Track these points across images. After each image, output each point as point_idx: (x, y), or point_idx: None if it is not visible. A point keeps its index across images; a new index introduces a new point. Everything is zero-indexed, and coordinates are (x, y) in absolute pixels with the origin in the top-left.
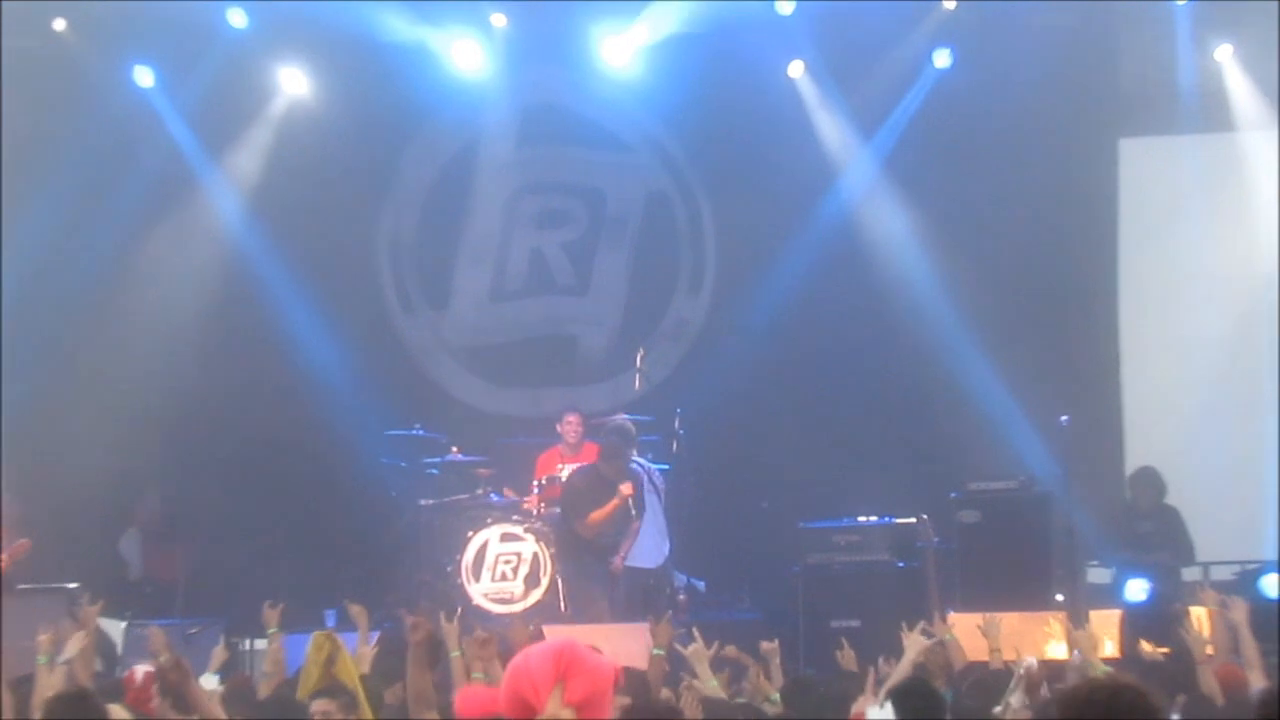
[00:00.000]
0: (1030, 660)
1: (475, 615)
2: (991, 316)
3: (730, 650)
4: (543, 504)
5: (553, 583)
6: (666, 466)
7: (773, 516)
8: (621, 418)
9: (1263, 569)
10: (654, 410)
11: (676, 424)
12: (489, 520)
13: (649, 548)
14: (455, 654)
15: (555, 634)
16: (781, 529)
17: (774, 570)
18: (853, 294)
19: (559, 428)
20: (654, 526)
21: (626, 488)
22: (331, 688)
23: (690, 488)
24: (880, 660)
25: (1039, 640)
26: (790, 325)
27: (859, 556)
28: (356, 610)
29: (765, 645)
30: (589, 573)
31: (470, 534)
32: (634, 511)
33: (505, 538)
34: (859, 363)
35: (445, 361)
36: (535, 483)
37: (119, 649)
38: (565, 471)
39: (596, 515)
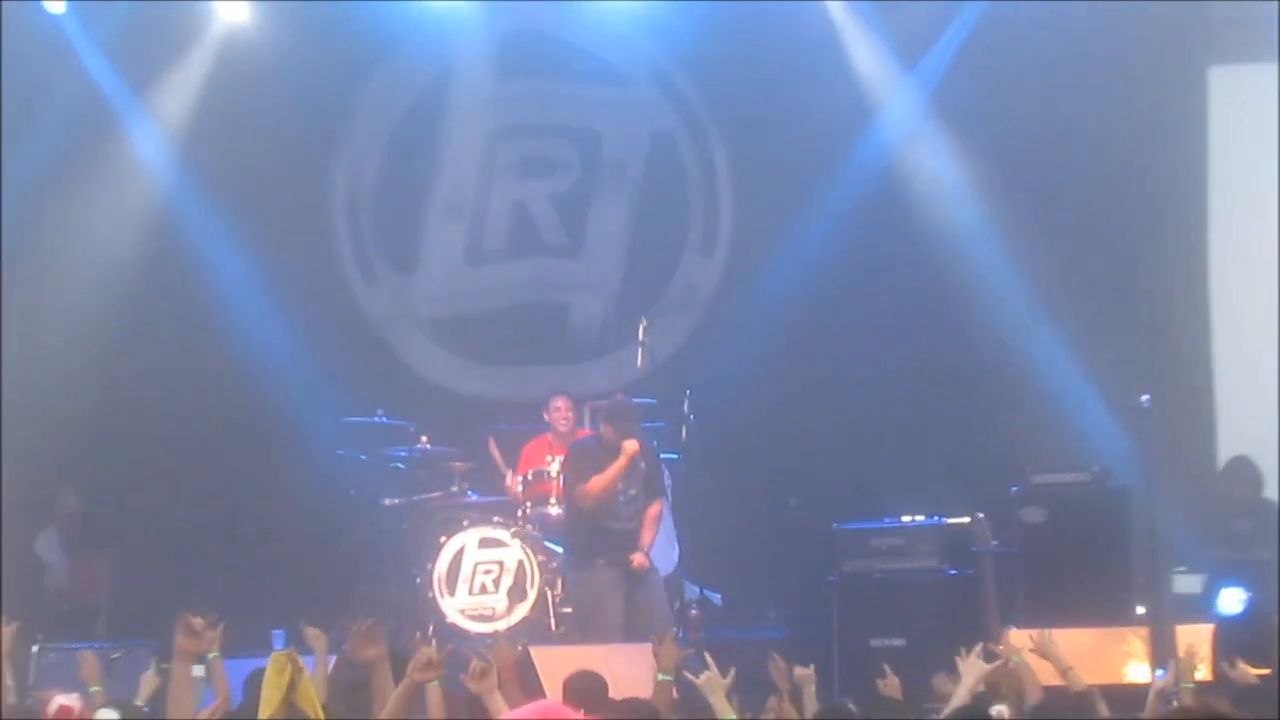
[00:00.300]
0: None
1: (450, 635)
2: (1058, 279)
3: (778, 663)
4: (529, 503)
5: (541, 596)
6: (674, 457)
7: (801, 517)
8: (621, 397)
9: None
10: (659, 392)
11: (686, 407)
12: (465, 523)
13: (654, 554)
14: (434, 684)
15: (544, 659)
16: (811, 531)
17: (803, 580)
18: (893, 253)
19: (547, 415)
20: (660, 528)
21: (631, 444)
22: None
23: (703, 482)
24: (936, 678)
25: (1116, 661)
26: (820, 291)
27: (903, 563)
28: (313, 634)
29: (799, 671)
30: (600, 575)
31: (443, 539)
32: (647, 481)
33: (485, 543)
34: (901, 334)
35: (413, 336)
36: (520, 478)
37: (30, 676)
38: (554, 466)
39: (598, 480)
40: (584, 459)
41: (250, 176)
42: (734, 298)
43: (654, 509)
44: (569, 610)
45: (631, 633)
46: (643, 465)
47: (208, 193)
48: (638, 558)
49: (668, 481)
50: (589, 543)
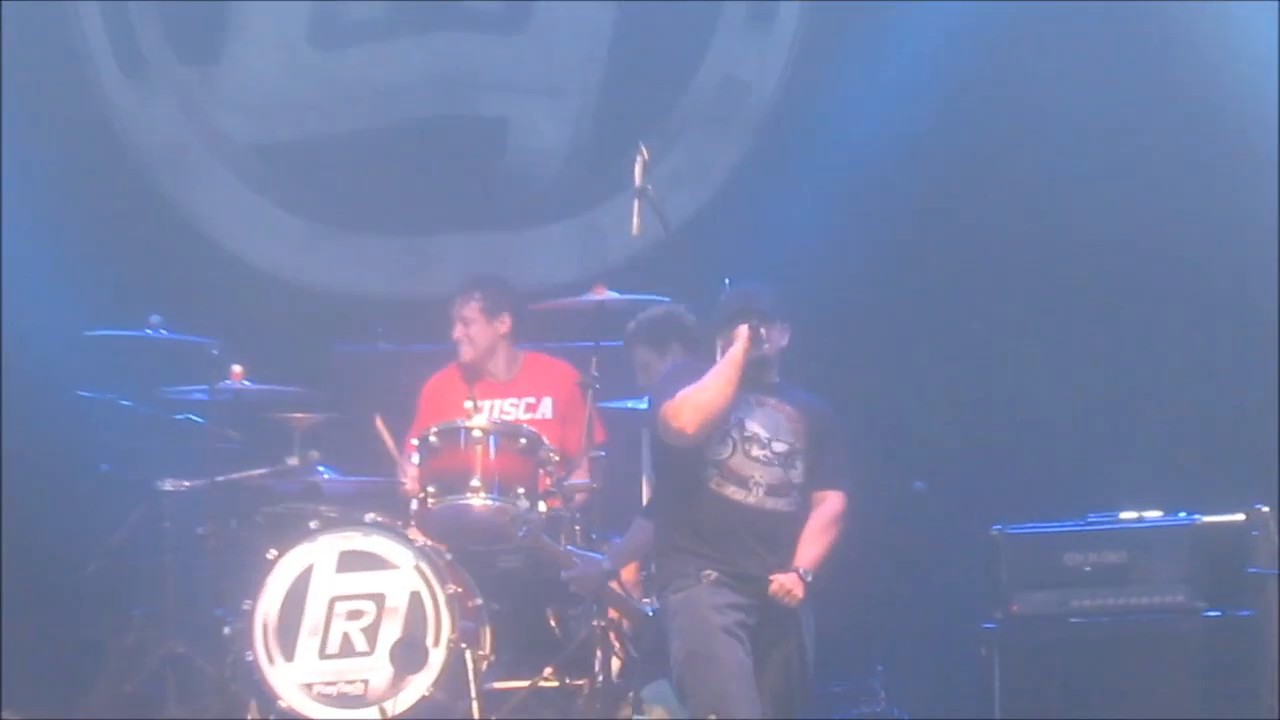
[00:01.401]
0: None
1: None
2: None
3: None
4: (432, 487)
5: (453, 655)
6: None
7: (934, 511)
8: (655, 304)
9: None
10: (675, 286)
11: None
12: (314, 525)
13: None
14: None
15: None
16: (953, 538)
17: (939, 627)
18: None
19: (457, 329)
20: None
21: (743, 331)
22: None
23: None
24: None
25: None
26: (961, 110)
27: (1122, 596)
28: None
29: None
30: (707, 599)
31: (274, 553)
32: (817, 440)
33: (350, 562)
34: (1097, 177)
35: (214, 177)
36: (419, 442)
37: None
38: (480, 419)
39: (701, 386)
40: (673, 376)
41: None
42: (808, 115)
43: (832, 503)
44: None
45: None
46: (796, 410)
47: None
48: (786, 581)
49: None
50: (685, 534)
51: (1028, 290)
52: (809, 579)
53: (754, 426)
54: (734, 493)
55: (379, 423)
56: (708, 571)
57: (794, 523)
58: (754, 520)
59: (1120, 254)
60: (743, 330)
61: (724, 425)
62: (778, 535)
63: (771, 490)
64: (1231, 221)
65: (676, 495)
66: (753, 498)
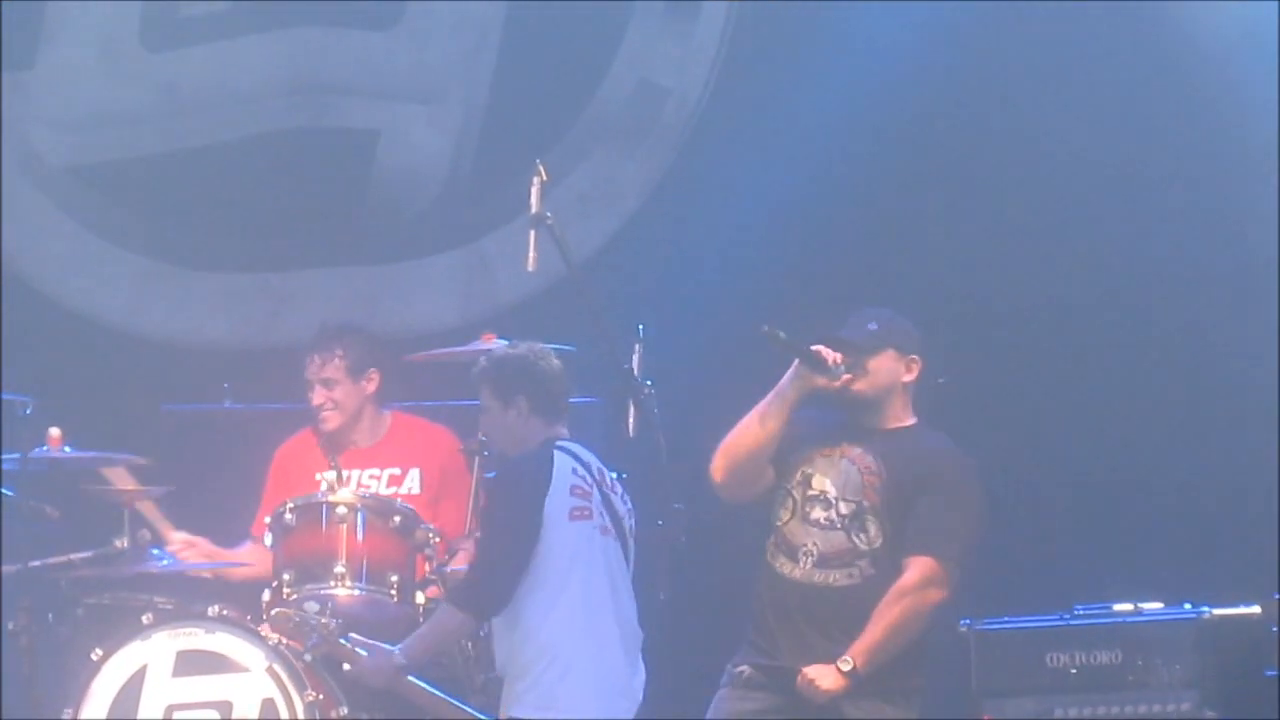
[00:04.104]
0: None
1: None
2: None
3: None
4: (290, 570)
5: None
6: (616, 475)
7: None
8: (516, 344)
9: None
10: (580, 329)
11: (635, 363)
12: (147, 618)
13: (607, 673)
14: None
15: None
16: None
17: None
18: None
19: (316, 393)
20: (614, 616)
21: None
22: None
23: (676, 517)
24: None
25: None
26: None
27: (1118, 705)
28: None
29: None
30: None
31: (99, 653)
32: (888, 498)
33: (190, 663)
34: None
35: (29, 203)
36: (272, 520)
37: None
38: (345, 492)
39: (733, 430)
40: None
41: None
42: (736, 126)
43: (910, 571)
44: None
45: None
46: (880, 461)
47: None
48: (813, 673)
49: (627, 513)
50: (750, 617)
51: (997, 338)
52: (848, 668)
53: (822, 483)
54: (783, 565)
55: (149, 508)
56: (741, 668)
57: (859, 599)
58: (803, 600)
59: (1104, 306)
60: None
61: (786, 482)
62: (837, 616)
63: (824, 561)
64: (1232, 230)
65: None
66: (799, 571)
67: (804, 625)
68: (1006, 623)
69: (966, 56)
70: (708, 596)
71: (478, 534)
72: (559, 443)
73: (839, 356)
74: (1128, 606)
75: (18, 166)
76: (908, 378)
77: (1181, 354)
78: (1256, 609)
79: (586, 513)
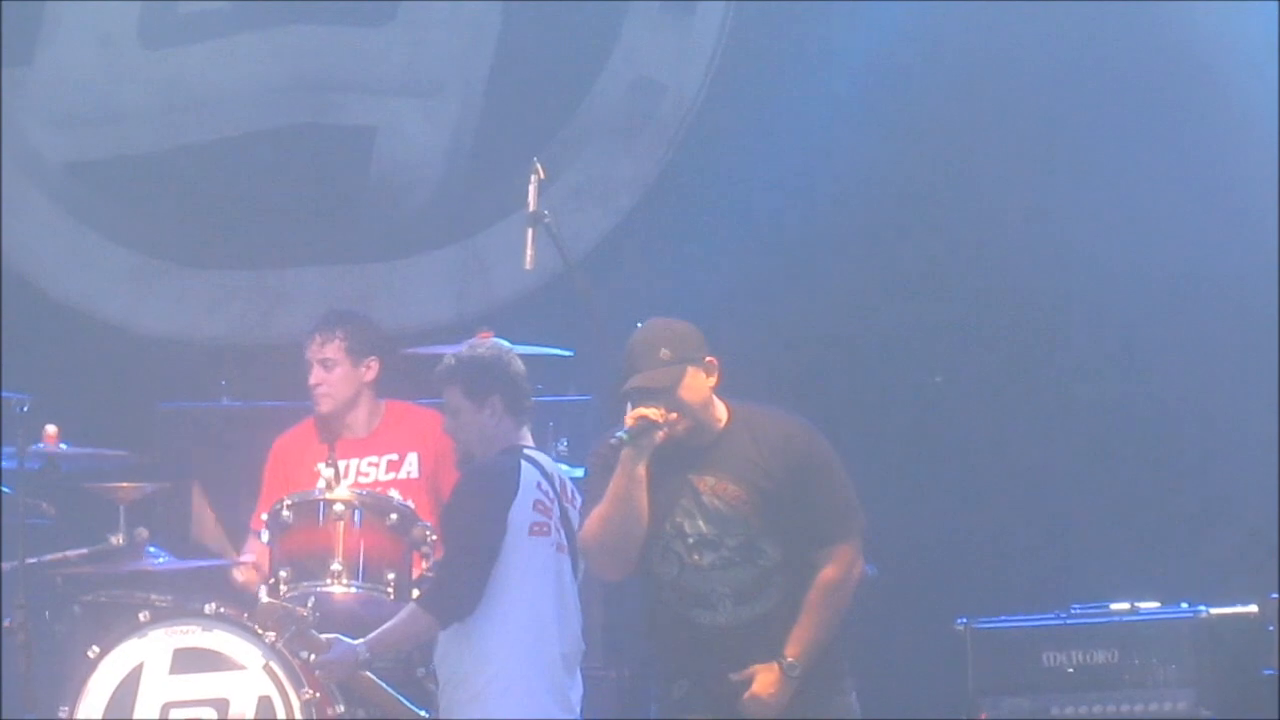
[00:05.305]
0: None
1: None
2: None
3: None
4: (287, 567)
5: None
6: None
7: (889, 602)
8: (482, 342)
9: None
10: (576, 327)
11: None
12: (144, 616)
13: (548, 688)
14: None
15: None
16: (910, 632)
17: None
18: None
19: (314, 373)
20: (558, 633)
21: (643, 413)
22: None
23: None
24: None
25: None
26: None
27: (1114, 705)
28: None
29: None
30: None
31: (96, 650)
32: (761, 512)
33: (187, 660)
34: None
35: (27, 200)
36: (270, 515)
37: None
38: (342, 489)
39: (592, 519)
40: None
41: None
42: (734, 123)
43: (830, 567)
44: None
45: None
46: (738, 484)
47: None
48: (757, 685)
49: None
50: (655, 644)
51: (996, 338)
52: (794, 672)
53: (695, 526)
54: (701, 616)
55: (196, 491)
56: (680, 682)
57: (785, 613)
58: (738, 639)
59: (1102, 305)
60: (620, 432)
61: (657, 538)
62: (769, 638)
63: (741, 598)
64: (1233, 230)
65: (649, 629)
66: (722, 617)
67: (744, 657)
68: (1003, 621)
69: (964, 55)
70: None
71: (440, 536)
72: (525, 451)
73: (660, 410)
74: (1125, 605)
75: (16, 163)
76: (712, 382)
77: (1181, 353)
78: (1254, 608)
79: (545, 529)
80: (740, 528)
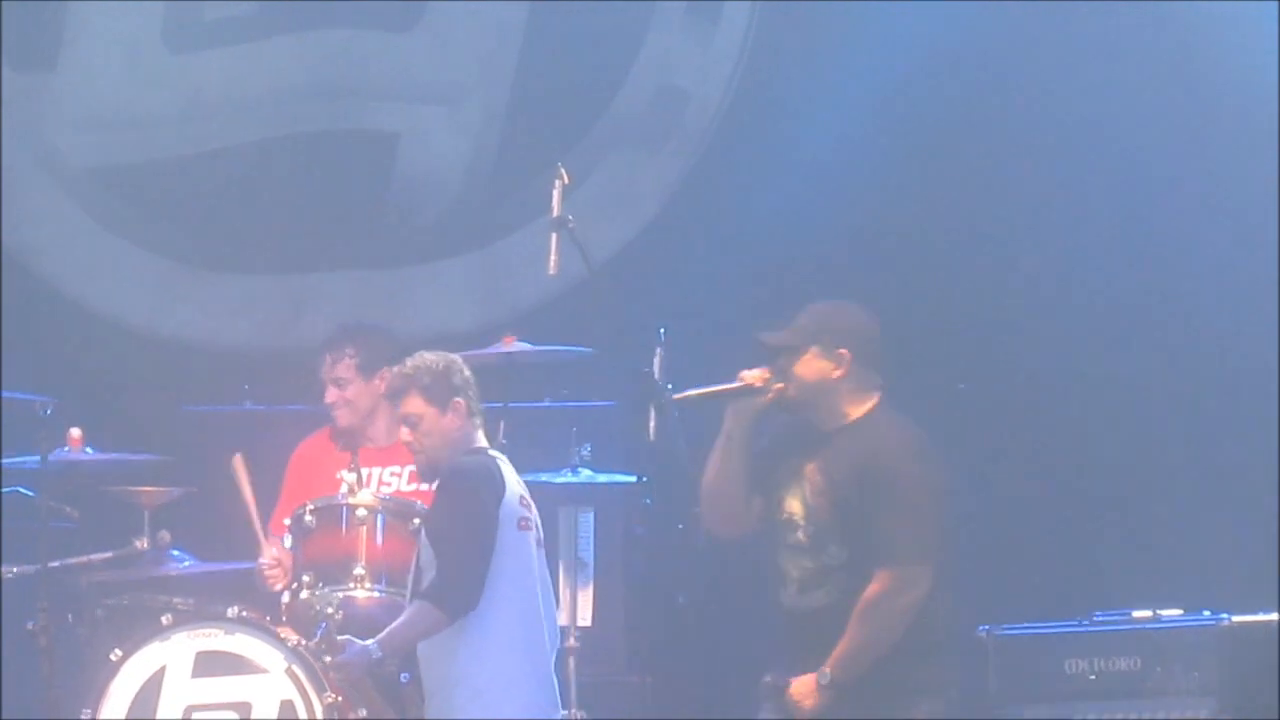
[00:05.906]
0: None
1: None
2: None
3: None
4: (310, 571)
5: None
6: (630, 478)
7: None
8: (427, 352)
9: None
10: (600, 332)
11: (656, 366)
12: (167, 619)
13: (542, 683)
14: None
15: None
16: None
17: None
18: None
19: (330, 392)
20: (545, 628)
21: (754, 374)
22: None
23: (695, 521)
24: None
25: None
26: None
27: (1137, 713)
28: None
29: None
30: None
31: (118, 653)
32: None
33: (210, 664)
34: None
35: (52, 205)
36: (292, 521)
37: None
38: (365, 494)
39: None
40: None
41: None
42: (758, 130)
43: (872, 587)
44: None
45: None
46: (825, 477)
47: None
48: (795, 689)
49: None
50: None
51: (1020, 345)
52: (826, 681)
53: (790, 506)
54: (778, 593)
55: (237, 463)
56: (766, 678)
57: (842, 615)
58: (797, 625)
59: (1122, 311)
60: (755, 376)
61: (770, 510)
62: (825, 635)
63: (804, 586)
64: (1232, 242)
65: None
66: (788, 598)
67: (800, 650)
68: (1025, 628)
69: (989, 59)
70: (726, 600)
71: (433, 538)
72: (489, 452)
73: (763, 372)
74: (1147, 613)
75: (40, 168)
76: (837, 374)
77: (1203, 359)
78: (1275, 616)
79: (529, 524)
80: (815, 520)
